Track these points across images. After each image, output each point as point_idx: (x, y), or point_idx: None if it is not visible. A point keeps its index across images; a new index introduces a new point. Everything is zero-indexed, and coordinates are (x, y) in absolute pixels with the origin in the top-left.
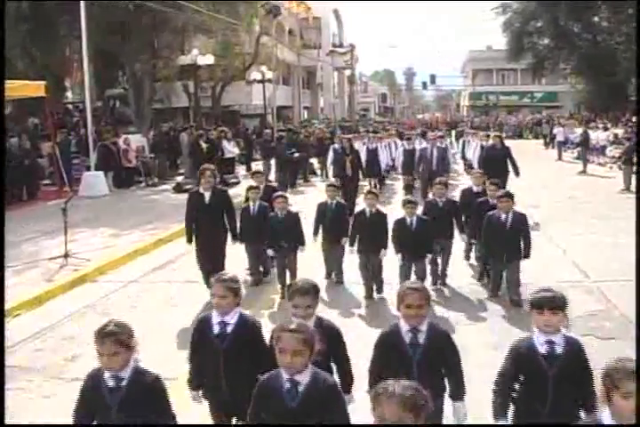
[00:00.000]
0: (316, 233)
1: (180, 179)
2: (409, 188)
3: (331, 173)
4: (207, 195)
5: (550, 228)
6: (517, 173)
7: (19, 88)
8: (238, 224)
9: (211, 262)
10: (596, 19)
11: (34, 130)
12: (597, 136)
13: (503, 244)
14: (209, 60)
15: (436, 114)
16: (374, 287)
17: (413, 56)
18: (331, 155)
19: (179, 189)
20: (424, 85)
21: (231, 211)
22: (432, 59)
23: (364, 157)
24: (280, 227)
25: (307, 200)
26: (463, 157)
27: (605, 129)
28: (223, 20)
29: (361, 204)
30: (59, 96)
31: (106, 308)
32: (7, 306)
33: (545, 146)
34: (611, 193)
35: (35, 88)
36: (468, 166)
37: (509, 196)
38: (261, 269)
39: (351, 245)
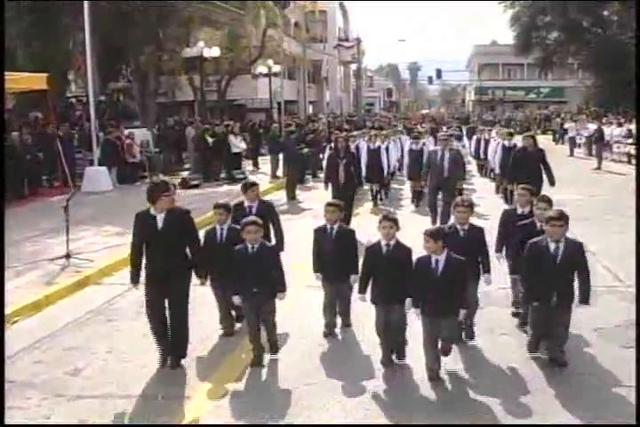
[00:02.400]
0: (315, 269)
1: (185, 174)
2: (417, 195)
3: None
4: (160, 217)
5: (574, 228)
6: (553, 182)
7: (21, 80)
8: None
9: (165, 322)
10: (605, 13)
11: (35, 123)
12: (611, 132)
13: (551, 282)
14: (215, 52)
15: (441, 109)
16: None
17: (418, 51)
18: (325, 156)
19: (185, 184)
20: (430, 80)
21: (193, 238)
22: (437, 53)
23: (364, 158)
24: (251, 265)
25: (313, 199)
26: (477, 157)
27: (620, 125)
28: (229, 11)
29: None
30: (61, 89)
31: (110, 314)
32: (5, 311)
33: (554, 142)
34: (629, 190)
35: (37, 80)
36: (481, 167)
37: (565, 218)
38: (234, 313)
39: (361, 291)
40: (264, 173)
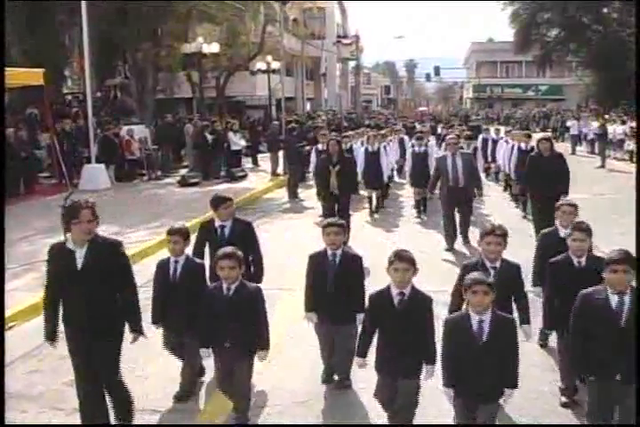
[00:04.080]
0: (309, 307)
1: (184, 172)
2: (420, 204)
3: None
4: (80, 253)
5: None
6: (566, 192)
7: (17, 76)
8: (149, 296)
9: (95, 394)
10: (605, 10)
11: (30, 119)
12: (615, 130)
13: (615, 350)
14: (214, 48)
15: (438, 106)
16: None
17: (414, 48)
18: (313, 159)
19: (184, 182)
20: (427, 77)
21: (127, 281)
22: (433, 51)
23: (361, 162)
24: (224, 311)
25: (315, 198)
26: (484, 159)
27: (623, 122)
28: (229, 6)
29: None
30: (57, 86)
31: None
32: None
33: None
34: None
35: (33, 76)
36: (486, 169)
37: (630, 260)
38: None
39: (361, 354)
40: (264, 171)
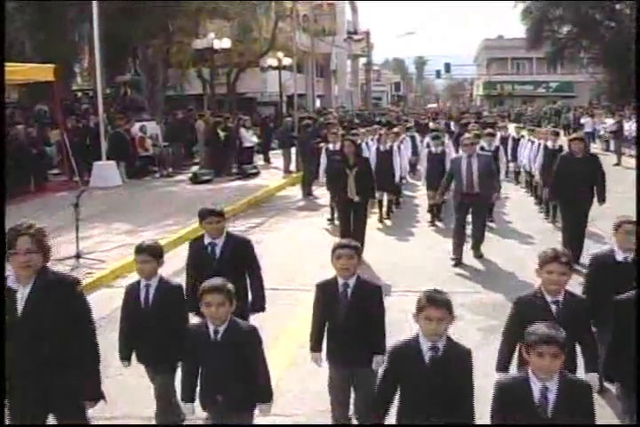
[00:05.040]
0: (315, 347)
1: (195, 169)
2: (435, 209)
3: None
4: (23, 293)
5: (607, 228)
6: (603, 199)
7: (27, 72)
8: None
9: None
10: (618, 6)
11: (39, 116)
12: (630, 127)
13: None
14: (226, 43)
15: (447, 103)
16: None
17: (423, 45)
18: (323, 160)
19: (196, 179)
20: (438, 74)
21: (82, 329)
22: (442, 48)
23: (372, 161)
24: (212, 358)
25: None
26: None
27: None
28: (240, 2)
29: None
30: (67, 82)
31: None
32: None
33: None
34: None
35: (43, 72)
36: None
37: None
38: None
39: (379, 410)
40: (276, 168)
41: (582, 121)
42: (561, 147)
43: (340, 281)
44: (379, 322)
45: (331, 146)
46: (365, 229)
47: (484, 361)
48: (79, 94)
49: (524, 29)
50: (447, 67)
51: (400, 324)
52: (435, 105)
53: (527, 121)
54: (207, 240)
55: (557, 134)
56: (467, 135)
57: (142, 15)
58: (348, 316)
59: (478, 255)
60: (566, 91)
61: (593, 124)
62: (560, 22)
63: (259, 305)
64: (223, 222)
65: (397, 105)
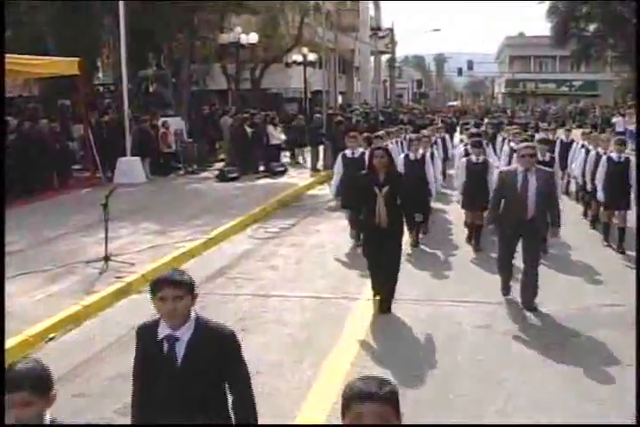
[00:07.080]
0: None
1: (219, 165)
2: (474, 233)
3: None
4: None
5: None
6: None
7: (51, 65)
8: None
9: None
10: None
11: (61, 110)
12: None
13: None
14: (253, 38)
15: (467, 101)
16: None
17: (444, 43)
18: (338, 168)
19: (222, 177)
20: (459, 71)
21: None
22: (463, 45)
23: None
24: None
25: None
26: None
27: None
28: None
29: None
30: (89, 76)
31: None
32: (40, 326)
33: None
34: None
35: (68, 65)
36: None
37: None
38: None
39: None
40: (303, 166)
41: (613, 120)
42: (627, 159)
43: None
44: None
45: (348, 152)
46: (399, 265)
47: None
48: (100, 89)
49: (549, 27)
50: (470, 64)
51: None
52: (456, 102)
53: (552, 121)
54: (163, 331)
55: (624, 144)
56: (524, 144)
57: (167, 9)
58: None
59: (531, 308)
60: (590, 89)
61: (624, 124)
62: (587, 20)
63: (249, 424)
64: (189, 300)
65: (419, 102)
